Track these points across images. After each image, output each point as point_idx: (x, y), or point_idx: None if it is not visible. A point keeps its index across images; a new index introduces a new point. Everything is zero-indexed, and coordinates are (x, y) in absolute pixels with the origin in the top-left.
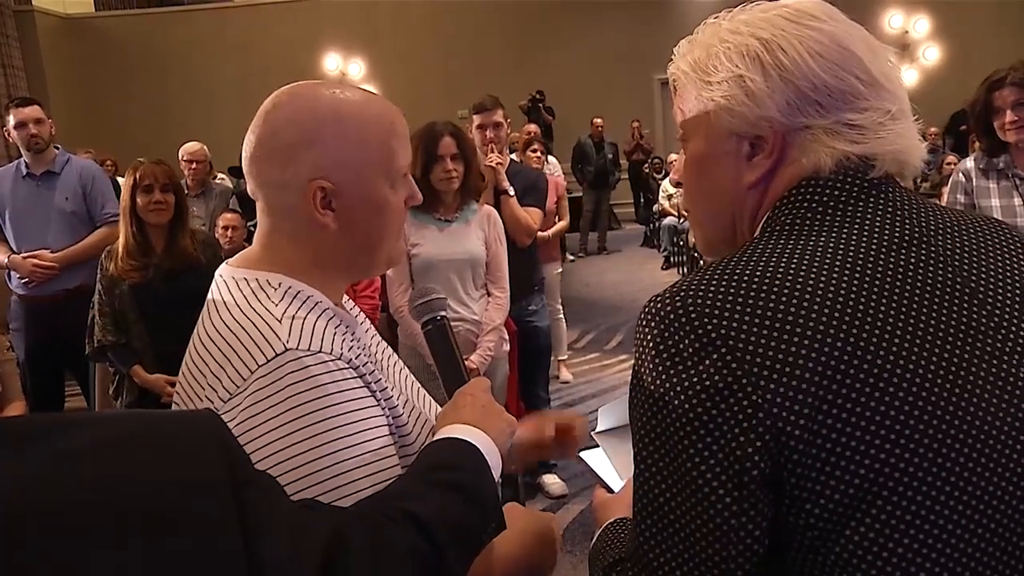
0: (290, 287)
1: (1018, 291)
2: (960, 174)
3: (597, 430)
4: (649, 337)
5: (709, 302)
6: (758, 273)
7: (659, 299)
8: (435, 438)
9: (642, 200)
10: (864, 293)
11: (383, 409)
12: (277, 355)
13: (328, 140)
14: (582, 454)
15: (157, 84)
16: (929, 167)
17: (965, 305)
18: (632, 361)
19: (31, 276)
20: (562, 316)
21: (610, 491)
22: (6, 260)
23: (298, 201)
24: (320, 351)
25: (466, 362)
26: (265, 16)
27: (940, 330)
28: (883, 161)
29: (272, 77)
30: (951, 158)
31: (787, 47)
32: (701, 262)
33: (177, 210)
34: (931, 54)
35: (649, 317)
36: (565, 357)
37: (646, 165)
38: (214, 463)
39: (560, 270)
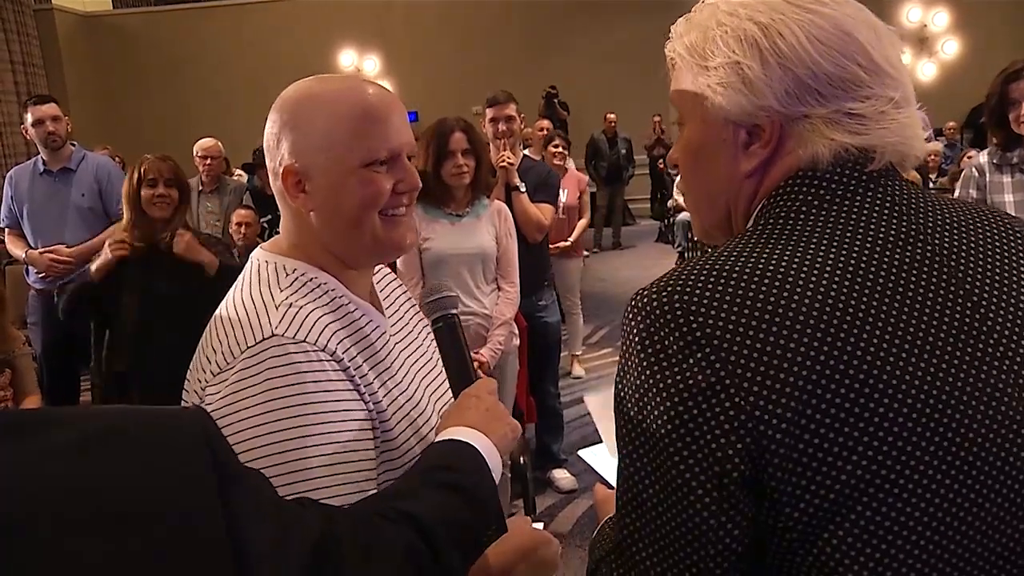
0: (304, 273)
1: (1014, 295)
2: (973, 169)
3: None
4: (634, 332)
5: (696, 299)
6: (748, 270)
7: (646, 293)
8: (437, 439)
9: (659, 196)
10: (855, 295)
11: (366, 404)
12: (264, 339)
13: (302, 126)
14: (581, 452)
15: (174, 81)
16: (947, 161)
17: (959, 308)
18: None
19: (48, 271)
20: (579, 312)
21: (611, 487)
22: (24, 255)
23: (282, 186)
24: (304, 340)
25: (477, 355)
26: (281, 13)
27: (931, 334)
28: (883, 153)
29: (287, 74)
30: (971, 152)
31: (786, 33)
32: None
33: (179, 204)
34: (950, 48)
35: (635, 311)
36: (580, 352)
37: (661, 161)
38: (199, 459)
39: (582, 265)
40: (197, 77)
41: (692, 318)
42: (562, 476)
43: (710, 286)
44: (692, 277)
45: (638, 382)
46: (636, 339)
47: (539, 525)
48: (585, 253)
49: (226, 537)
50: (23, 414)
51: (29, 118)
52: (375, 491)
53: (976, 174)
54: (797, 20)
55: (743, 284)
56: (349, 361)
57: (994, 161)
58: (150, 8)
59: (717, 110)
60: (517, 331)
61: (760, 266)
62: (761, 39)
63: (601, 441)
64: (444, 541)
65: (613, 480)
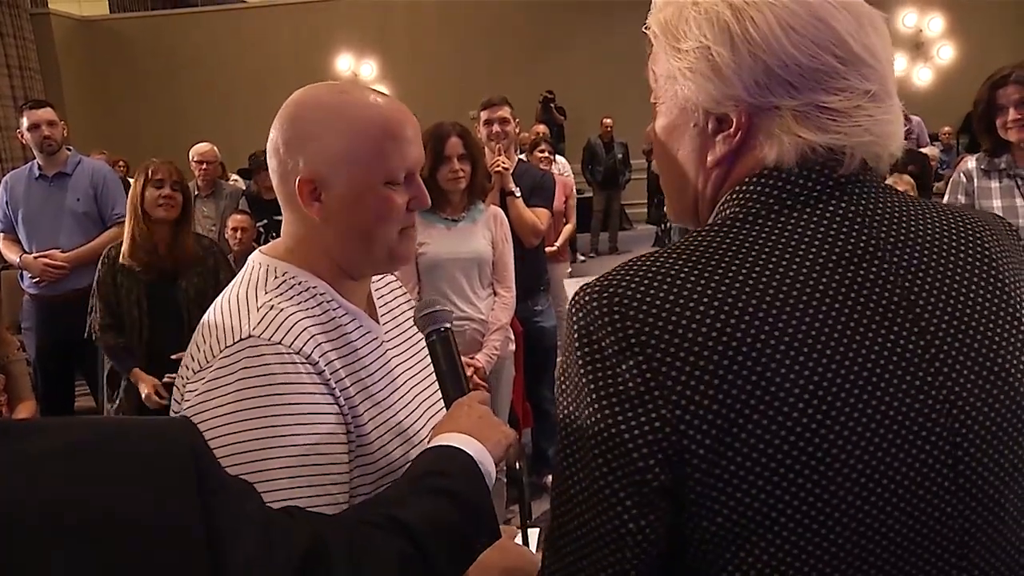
0: (294, 277)
1: (963, 321)
2: (961, 174)
3: None
4: (574, 328)
5: (636, 302)
6: (692, 278)
7: (589, 290)
8: (429, 445)
9: (655, 200)
10: (796, 316)
11: (341, 409)
12: (240, 340)
13: (323, 136)
14: None
15: (171, 85)
16: (943, 166)
17: (904, 333)
18: None
19: (42, 275)
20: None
21: None
22: (18, 260)
23: (293, 191)
24: (280, 343)
25: (472, 361)
26: (278, 17)
27: (870, 360)
28: (854, 154)
29: (285, 78)
30: (967, 157)
31: (758, 19)
32: None
33: (183, 210)
34: (945, 53)
35: (577, 307)
36: None
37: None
38: (181, 469)
39: (569, 270)
40: (194, 82)
41: (629, 323)
42: None
43: (652, 289)
44: (637, 278)
45: (575, 379)
46: (575, 335)
47: (534, 530)
48: (582, 258)
49: (204, 549)
50: (8, 422)
51: (25, 123)
52: (344, 495)
53: (964, 180)
54: (770, 5)
55: (684, 294)
56: (326, 365)
57: (982, 167)
58: (147, 13)
59: (686, 96)
60: (513, 336)
61: (705, 277)
62: (733, 24)
63: None
64: (435, 547)
65: None
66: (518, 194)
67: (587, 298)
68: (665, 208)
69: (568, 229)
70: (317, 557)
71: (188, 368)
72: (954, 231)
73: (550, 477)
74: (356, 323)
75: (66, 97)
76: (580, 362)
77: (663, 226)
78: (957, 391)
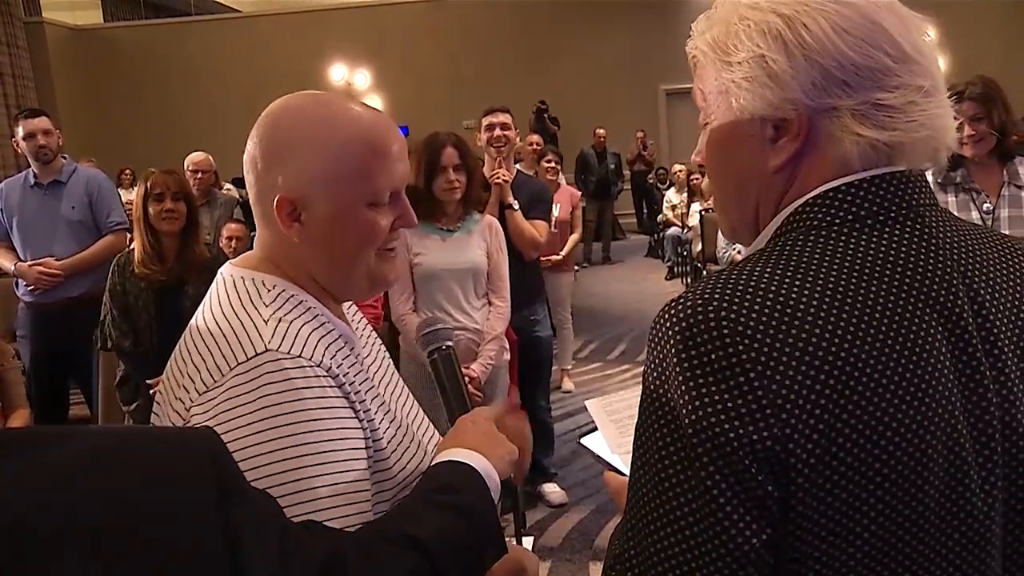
0: (284, 290)
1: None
2: None
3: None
4: (671, 344)
5: (744, 317)
6: (795, 292)
7: (686, 304)
8: (436, 460)
9: (645, 210)
10: (893, 331)
11: (361, 422)
12: (257, 355)
13: (304, 153)
14: (583, 440)
15: (164, 94)
16: None
17: (987, 359)
18: (634, 370)
19: (37, 283)
20: (570, 326)
21: (620, 473)
22: (13, 268)
23: (271, 211)
24: (300, 355)
25: (467, 371)
26: (272, 27)
27: (956, 385)
28: (914, 150)
29: (278, 87)
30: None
31: (810, 23)
32: (704, 273)
33: (188, 219)
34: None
35: (673, 321)
36: (569, 367)
37: (651, 176)
38: (203, 480)
39: (574, 279)
40: (188, 91)
41: (739, 339)
42: (552, 490)
43: (756, 305)
44: (739, 292)
45: (674, 393)
46: (672, 351)
47: (529, 539)
48: (576, 267)
49: (226, 562)
50: (17, 432)
51: (20, 132)
52: (370, 511)
53: None
54: (821, 10)
55: (788, 311)
56: (343, 377)
57: (938, 180)
58: (140, 22)
59: (743, 106)
60: (508, 346)
61: (806, 292)
62: (785, 31)
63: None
64: (447, 562)
65: (618, 464)
66: (517, 207)
67: (686, 312)
68: (697, 252)
69: (574, 239)
70: (333, 573)
71: (188, 390)
72: (1011, 256)
73: (544, 486)
74: (344, 338)
75: (59, 105)
76: (681, 377)
77: (656, 236)
78: (1012, 413)
